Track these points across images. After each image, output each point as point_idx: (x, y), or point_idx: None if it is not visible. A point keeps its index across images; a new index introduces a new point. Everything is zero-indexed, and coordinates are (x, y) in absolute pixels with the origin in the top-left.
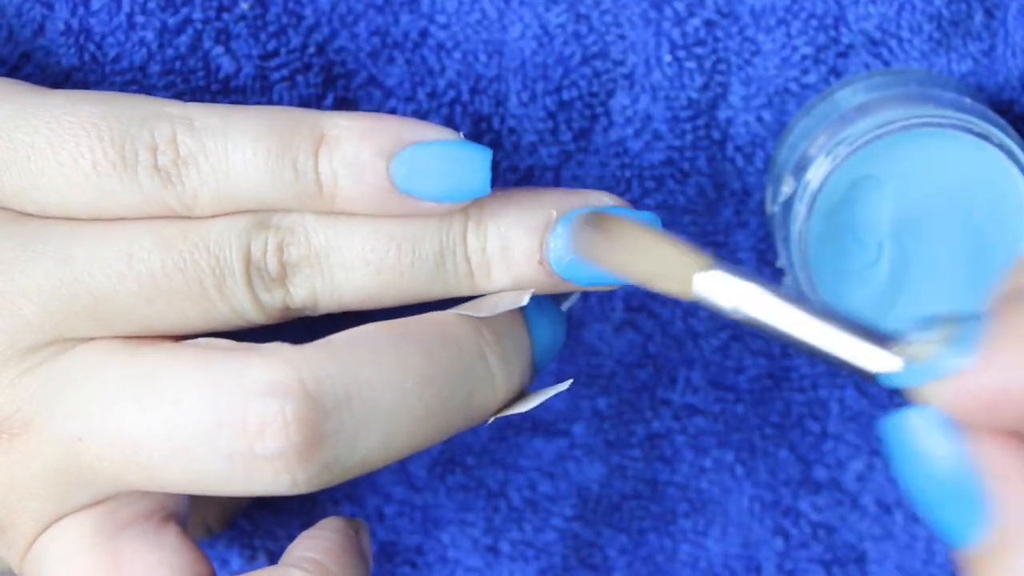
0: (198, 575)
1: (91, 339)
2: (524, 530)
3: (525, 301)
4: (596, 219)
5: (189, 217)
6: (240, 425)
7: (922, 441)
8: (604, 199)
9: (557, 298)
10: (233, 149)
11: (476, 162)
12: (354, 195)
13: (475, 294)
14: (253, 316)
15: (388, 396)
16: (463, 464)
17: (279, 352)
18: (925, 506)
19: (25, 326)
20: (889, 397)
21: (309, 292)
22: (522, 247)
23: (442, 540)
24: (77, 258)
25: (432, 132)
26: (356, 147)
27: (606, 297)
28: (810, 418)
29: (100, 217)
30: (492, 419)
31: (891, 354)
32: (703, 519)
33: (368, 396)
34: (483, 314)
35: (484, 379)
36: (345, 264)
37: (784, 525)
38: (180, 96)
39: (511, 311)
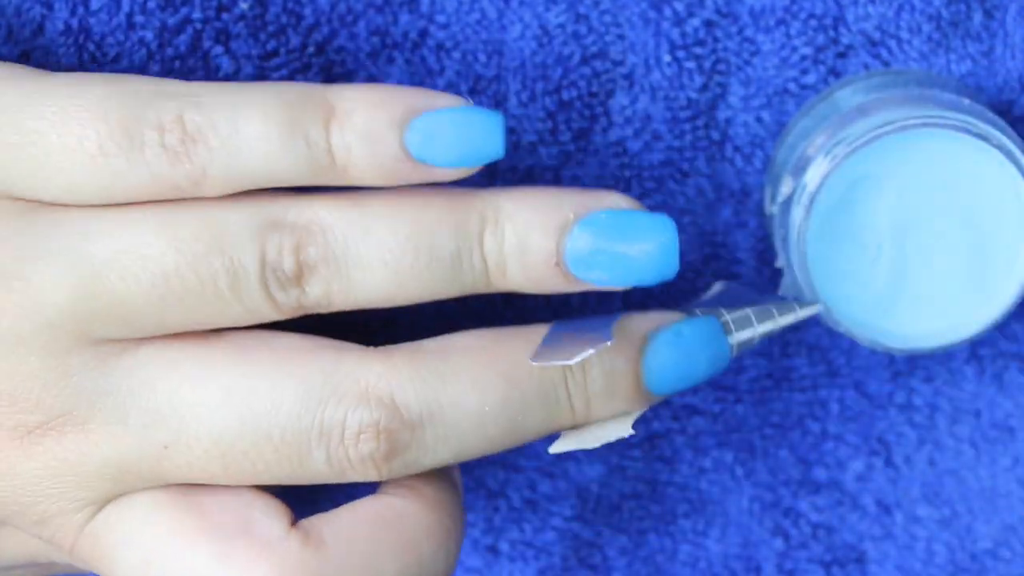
0: (283, 512)
1: (140, 340)
2: (524, 530)
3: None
4: None
5: (202, 202)
6: (339, 433)
7: None
8: (620, 201)
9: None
10: (244, 124)
11: (489, 126)
12: (368, 166)
13: (489, 291)
14: (266, 314)
15: (466, 417)
16: (463, 464)
17: (371, 360)
18: None
19: (49, 328)
20: (889, 397)
21: (324, 292)
22: (539, 248)
23: None
24: (92, 257)
25: (443, 99)
26: (368, 118)
27: (605, 297)
28: (810, 418)
29: (110, 201)
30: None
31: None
32: (703, 519)
33: (448, 415)
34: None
35: (563, 407)
36: (362, 265)
37: (784, 525)
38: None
39: (621, 339)
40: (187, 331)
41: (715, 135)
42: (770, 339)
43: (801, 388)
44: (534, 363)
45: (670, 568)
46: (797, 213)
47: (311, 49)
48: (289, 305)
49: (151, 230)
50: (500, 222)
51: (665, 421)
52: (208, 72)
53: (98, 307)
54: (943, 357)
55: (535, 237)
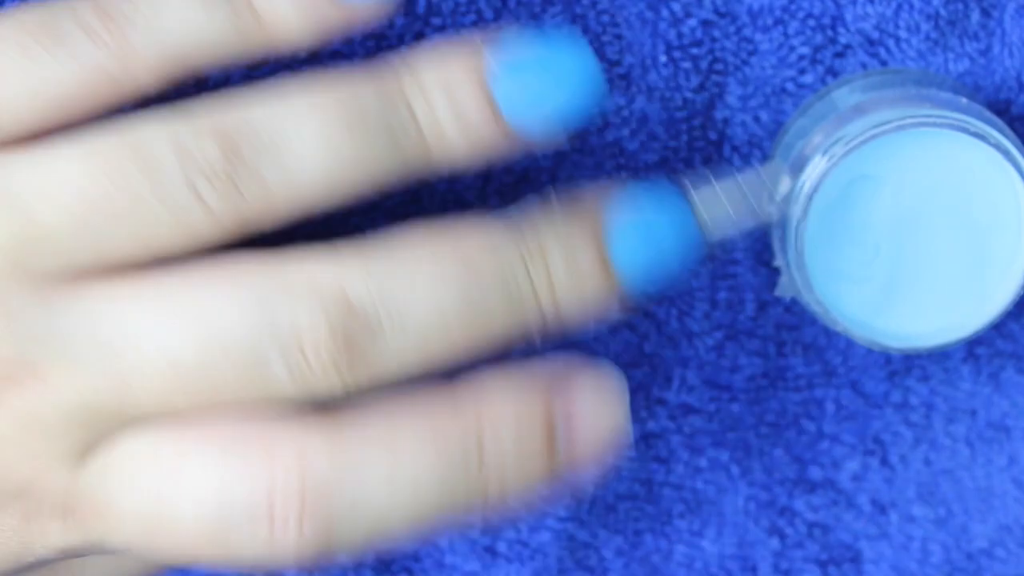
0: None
1: (80, 275)
2: (519, 530)
3: None
4: None
5: (119, 119)
6: (293, 334)
7: None
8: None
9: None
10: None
11: None
12: (289, 14)
13: (432, 169)
14: (205, 227)
15: (424, 310)
16: None
17: (316, 254)
18: None
19: None
20: (884, 396)
21: (261, 188)
22: (469, 99)
23: (438, 543)
24: (19, 193)
25: None
26: None
27: None
28: (805, 418)
29: (45, 112)
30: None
31: None
32: (699, 519)
33: (404, 309)
34: None
35: (526, 296)
36: (293, 147)
37: (779, 525)
38: (171, 100)
39: (578, 218)
40: (128, 261)
41: (712, 135)
42: (765, 338)
43: (796, 388)
44: (484, 239)
45: (666, 569)
46: (795, 212)
47: (303, 54)
48: (226, 211)
49: (67, 152)
50: (427, 88)
51: (661, 420)
52: (197, 81)
53: (31, 240)
54: (940, 356)
55: (463, 91)
